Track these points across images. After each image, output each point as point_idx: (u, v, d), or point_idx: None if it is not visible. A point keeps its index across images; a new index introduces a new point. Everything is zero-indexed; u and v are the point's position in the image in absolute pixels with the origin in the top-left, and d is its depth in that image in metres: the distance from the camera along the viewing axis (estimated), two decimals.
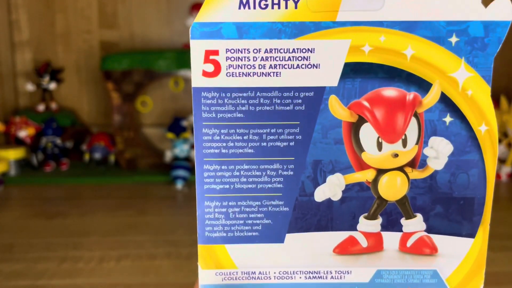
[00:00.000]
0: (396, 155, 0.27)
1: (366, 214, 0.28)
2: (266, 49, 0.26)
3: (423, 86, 0.27)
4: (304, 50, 0.26)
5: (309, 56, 0.26)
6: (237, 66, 0.26)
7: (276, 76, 0.27)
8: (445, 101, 0.27)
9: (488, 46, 0.26)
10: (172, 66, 0.87)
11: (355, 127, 0.27)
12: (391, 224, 0.28)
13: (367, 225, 0.28)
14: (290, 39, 0.26)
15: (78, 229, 0.65)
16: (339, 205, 0.28)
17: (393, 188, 0.28)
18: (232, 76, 0.27)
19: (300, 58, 0.26)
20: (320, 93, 0.27)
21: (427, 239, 0.28)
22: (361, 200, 0.28)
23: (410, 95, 0.27)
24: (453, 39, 0.26)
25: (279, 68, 0.27)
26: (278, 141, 0.27)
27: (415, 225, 0.28)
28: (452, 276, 0.29)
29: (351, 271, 0.29)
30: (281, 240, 0.28)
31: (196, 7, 0.91)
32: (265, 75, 0.27)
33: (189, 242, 0.60)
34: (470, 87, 0.27)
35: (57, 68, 0.94)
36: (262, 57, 0.26)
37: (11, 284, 0.50)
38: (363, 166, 0.28)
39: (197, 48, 0.26)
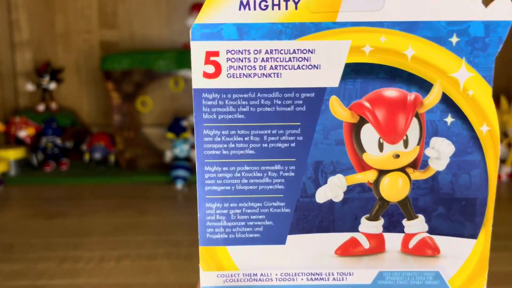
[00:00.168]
0: (397, 156, 0.27)
1: (367, 215, 0.28)
2: (267, 50, 0.26)
3: (424, 86, 0.27)
4: (304, 51, 0.26)
5: (310, 57, 0.26)
6: (238, 67, 0.26)
7: (277, 77, 0.27)
8: (446, 102, 0.27)
9: (489, 46, 0.26)
10: (172, 66, 0.87)
11: (356, 127, 0.27)
12: (393, 225, 0.28)
13: (369, 226, 0.28)
14: (291, 40, 0.26)
15: (78, 229, 0.65)
16: (341, 206, 0.28)
17: (394, 189, 0.28)
18: (233, 77, 0.27)
19: (300, 59, 0.26)
20: (321, 93, 0.27)
21: (429, 240, 0.28)
22: (362, 201, 0.28)
23: (411, 96, 0.27)
24: (454, 39, 0.26)
25: (280, 69, 0.26)
26: (279, 142, 0.27)
27: (417, 226, 0.28)
28: (455, 278, 0.29)
29: (353, 273, 0.29)
30: (282, 241, 0.28)
31: (196, 7, 0.91)
32: (266, 76, 0.27)
33: (189, 242, 0.60)
34: (471, 87, 0.27)
35: (57, 68, 0.94)
36: (263, 58, 0.26)
37: (11, 284, 0.50)
38: (364, 167, 0.28)
39: (198, 49, 0.26)
